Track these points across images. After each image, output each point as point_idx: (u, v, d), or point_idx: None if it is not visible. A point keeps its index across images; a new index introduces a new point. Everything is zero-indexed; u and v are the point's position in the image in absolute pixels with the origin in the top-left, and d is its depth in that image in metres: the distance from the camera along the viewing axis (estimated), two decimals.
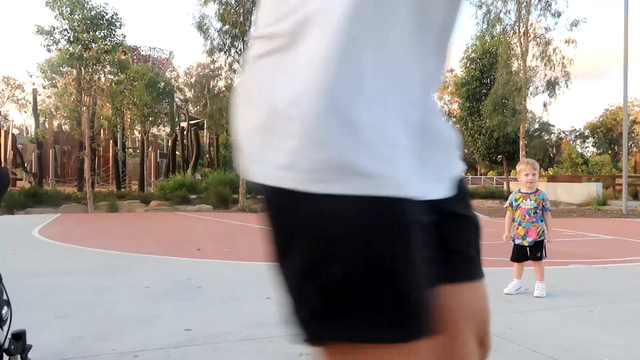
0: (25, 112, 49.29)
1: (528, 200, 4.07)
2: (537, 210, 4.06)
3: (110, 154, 31.77)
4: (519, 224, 4.08)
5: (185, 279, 4.55)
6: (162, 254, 6.24)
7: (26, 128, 52.97)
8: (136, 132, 30.54)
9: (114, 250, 6.62)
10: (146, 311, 3.42)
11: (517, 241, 4.12)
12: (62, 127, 28.81)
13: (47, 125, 25.31)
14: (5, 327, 1.71)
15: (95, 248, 6.90)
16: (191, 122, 32.66)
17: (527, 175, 4.07)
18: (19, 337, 1.78)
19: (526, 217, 4.05)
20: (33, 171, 28.56)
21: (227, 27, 16.64)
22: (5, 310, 1.69)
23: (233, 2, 16.62)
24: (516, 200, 4.13)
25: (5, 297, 1.71)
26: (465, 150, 58.82)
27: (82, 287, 4.23)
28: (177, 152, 32.13)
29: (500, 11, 15.69)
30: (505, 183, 24.88)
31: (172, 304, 3.62)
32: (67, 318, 3.25)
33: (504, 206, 4.27)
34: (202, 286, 4.24)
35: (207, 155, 39.35)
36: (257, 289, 4.18)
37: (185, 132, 33.60)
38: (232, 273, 4.97)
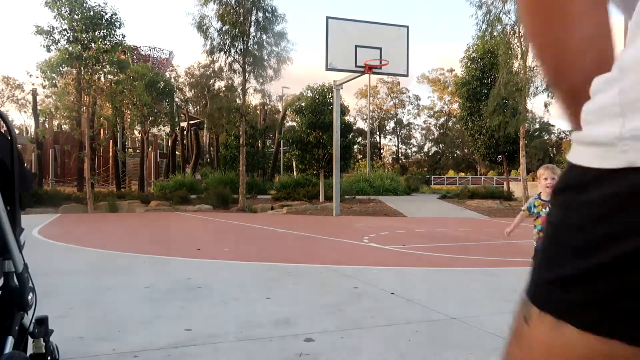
0: (25, 112, 49.35)
1: (548, 208, 3.94)
2: None
3: (110, 154, 31.78)
4: (540, 231, 3.96)
5: (185, 279, 4.55)
6: (162, 254, 6.24)
7: (26, 128, 53.00)
8: (136, 132, 30.56)
9: (114, 250, 6.62)
10: (146, 311, 3.42)
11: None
12: (62, 127, 28.83)
13: (47, 125, 25.32)
14: (30, 312, 1.85)
15: (95, 248, 6.90)
16: (191, 122, 32.68)
17: (546, 179, 3.93)
18: (42, 322, 1.91)
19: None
20: (33, 171, 28.59)
21: (227, 27, 16.63)
22: (31, 296, 1.84)
23: (233, 2, 16.61)
24: (535, 207, 4.01)
25: (30, 284, 1.85)
26: (466, 150, 58.87)
27: (82, 287, 4.23)
28: (177, 152, 32.14)
29: (500, 11, 15.64)
30: (505, 183, 24.87)
31: (172, 304, 3.62)
32: (67, 318, 3.25)
33: (522, 208, 4.18)
34: (202, 286, 4.24)
35: (207, 156, 39.37)
36: (257, 289, 4.18)
37: (185, 132, 33.61)
38: (232, 273, 4.97)
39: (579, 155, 0.46)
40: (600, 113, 0.44)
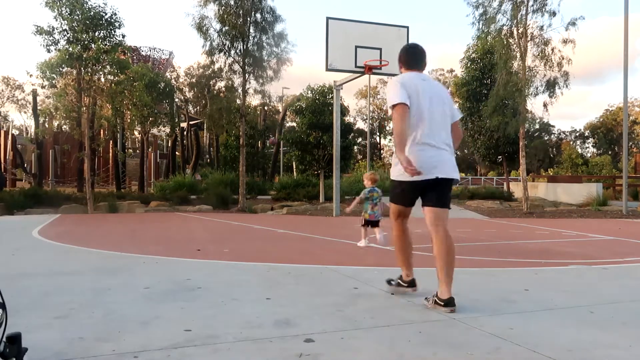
0: (25, 112, 49.39)
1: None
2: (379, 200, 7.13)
3: (110, 155, 31.79)
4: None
5: (185, 280, 4.55)
6: (162, 254, 6.24)
7: (26, 128, 53.01)
8: (136, 133, 30.56)
9: (114, 251, 6.62)
10: (146, 311, 3.42)
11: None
12: (62, 127, 28.84)
13: (47, 126, 25.31)
14: (1, 330, 1.70)
15: (95, 248, 6.90)
16: (191, 122, 32.67)
17: (374, 182, 7.23)
18: (14, 340, 1.76)
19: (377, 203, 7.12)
20: (33, 171, 28.57)
21: (226, 28, 16.63)
22: (0, 312, 1.67)
23: (232, 3, 16.60)
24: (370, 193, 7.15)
25: (0, 299, 1.69)
26: (466, 151, 58.77)
27: (82, 287, 4.23)
28: (177, 153, 32.13)
29: (497, 11, 15.60)
30: (505, 184, 24.86)
31: (172, 305, 3.62)
32: (67, 318, 3.25)
33: (361, 196, 7.24)
34: (202, 286, 4.24)
35: (207, 156, 39.34)
36: (257, 289, 4.18)
37: (185, 133, 33.60)
38: (232, 273, 4.97)
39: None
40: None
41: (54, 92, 16.55)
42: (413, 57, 3.79)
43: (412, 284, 3.89)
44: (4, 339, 1.71)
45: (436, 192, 3.54)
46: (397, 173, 3.59)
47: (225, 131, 29.73)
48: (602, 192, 18.90)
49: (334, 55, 13.60)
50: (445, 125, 3.61)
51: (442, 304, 3.39)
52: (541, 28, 15.37)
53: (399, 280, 3.92)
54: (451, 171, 3.56)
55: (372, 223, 7.09)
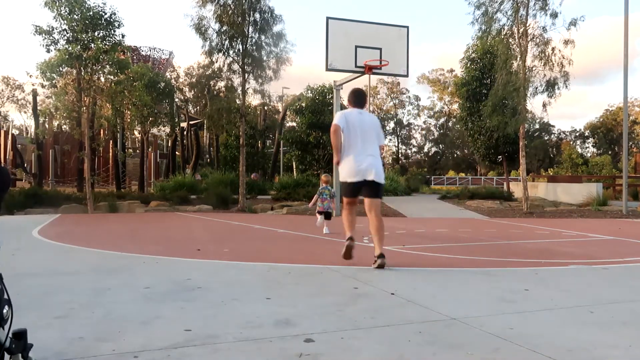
0: (25, 112, 49.39)
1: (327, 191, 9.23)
2: (329, 196, 9.22)
3: (110, 154, 31.78)
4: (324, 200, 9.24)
5: (185, 279, 4.55)
6: (162, 254, 6.24)
7: (26, 128, 53.02)
8: (136, 133, 30.55)
9: (114, 251, 6.62)
10: (146, 311, 3.42)
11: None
12: (62, 127, 28.82)
13: (47, 126, 25.30)
14: (6, 326, 1.72)
15: (95, 248, 6.90)
16: (191, 122, 32.67)
17: (327, 182, 9.39)
18: (20, 336, 1.80)
19: (327, 199, 9.19)
20: (33, 171, 28.57)
21: (225, 28, 16.61)
22: (6, 309, 1.70)
23: (230, 3, 16.58)
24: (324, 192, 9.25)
25: (6, 296, 1.72)
26: (466, 151, 58.70)
27: (82, 287, 4.23)
28: (177, 153, 32.12)
29: (497, 11, 15.57)
30: (505, 183, 24.86)
31: (172, 304, 3.62)
32: (67, 318, 3.25)
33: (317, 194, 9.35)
34: (202, 286, 4.24)
35: (207, 156, 39.32)
36: (257, 289, 4.18)
37: (185, 133, 33.60)
38: (232, 273, 4.97)
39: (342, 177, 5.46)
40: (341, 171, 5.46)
41: (54, 92, 16.53)
42: (356, 99, 5.60)
43: (350, 238, 5.40)
44: (10, 335, 1.73)
45: (369, 189, 5.29)
46: (342, 178, 5.44)
47: (225, 131, 29.72)
48: (602, 192, 18.89)
49: (334, 55, 13.59)
50: (373, 143, 5.33)
51: (376, 256, 5.16)
52: (544, 29, 15.34)
53: (349, 241, 5.46)
54: (378, 177, 5.24)
55: (324, 214, 9.23)
